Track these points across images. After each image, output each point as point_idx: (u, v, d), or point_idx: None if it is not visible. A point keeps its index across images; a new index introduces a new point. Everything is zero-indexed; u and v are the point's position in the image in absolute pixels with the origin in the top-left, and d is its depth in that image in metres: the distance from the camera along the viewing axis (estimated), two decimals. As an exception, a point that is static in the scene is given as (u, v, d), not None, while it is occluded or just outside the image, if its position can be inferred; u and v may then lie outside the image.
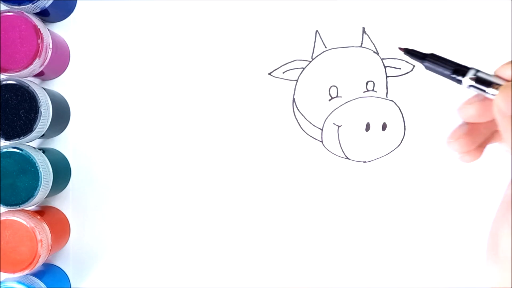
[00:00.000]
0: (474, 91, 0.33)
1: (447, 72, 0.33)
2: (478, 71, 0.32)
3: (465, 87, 0.33)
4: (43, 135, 0.48)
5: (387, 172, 0.52)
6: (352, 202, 0.52)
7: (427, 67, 0.34)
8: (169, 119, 0.52)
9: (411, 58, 0.35)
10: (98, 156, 0.52)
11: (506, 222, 0.29)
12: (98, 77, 0.52)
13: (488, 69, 0.51)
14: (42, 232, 0.46)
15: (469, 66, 0.33)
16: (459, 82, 0.33)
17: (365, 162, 0.52)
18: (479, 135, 0.34)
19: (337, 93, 0.52)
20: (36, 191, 0.46)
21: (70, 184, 0.52)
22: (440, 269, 0.51)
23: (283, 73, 0.52)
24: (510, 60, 0.32)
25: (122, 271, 0.52)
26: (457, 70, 0.33)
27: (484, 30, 0.51)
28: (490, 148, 0.37)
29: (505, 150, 0.29)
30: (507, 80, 0.31)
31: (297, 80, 0.52)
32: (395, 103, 0.52)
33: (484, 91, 0.32)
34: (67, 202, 0.52)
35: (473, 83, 0.32)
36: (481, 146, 0.34)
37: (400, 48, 0.35)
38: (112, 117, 0.52)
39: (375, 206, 0.52)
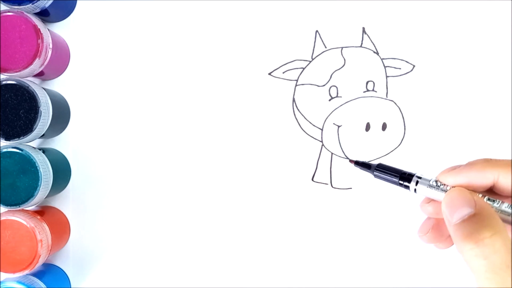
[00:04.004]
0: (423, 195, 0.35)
1: (395, 180, 0.36)
2: (419, 178, 0.35)
3: (412, 192, 0.35)
4: (43, 135, 0.48)
5: (387, 172, 0.52)
6: (352, 202, 0.52)
7: (376, 176, 0.37)
8: (169, 119, 0.52)
9: (360, 168, 0.38)
10: (98, 156, 0.52)
11: None
12: (98, 77, 0.52)
13: (488, 72, 0.52)
14: (42, 232, 0.46)
15: (412, 172, 0.35)
16: (407, 187, 0.35)
17: (365, 162, 0.52)
18: (446, 227, 0.35)
19: (337, 93, 0.52)
20: (36, 191, 0.46)
21: (70, 184, 0.52)
22: (440, 269, 0.51)
23: (283, 73, 0.52)
24: (450, 167, 0.34)
25: (122, 271, 0.52)
26: (402, 178, 0.35)
27: (484, 30, 0.51)
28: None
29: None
30: (446, 185, 0.33)
31: (297, 80, 0.52)
32: (395, 103, 0.52)
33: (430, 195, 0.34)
34: (67, 202, 0.52)
35: (419, 189, 0.34)
36: None
37: (350, 160, 0.39)
38: (112, 117, 0.52)
39: (375, 206, 0.52)
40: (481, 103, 0.51)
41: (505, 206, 0.31)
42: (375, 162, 0.37)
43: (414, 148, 0.52)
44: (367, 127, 0.52)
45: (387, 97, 0.52)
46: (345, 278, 0.52)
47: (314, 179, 0.52)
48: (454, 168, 0.33)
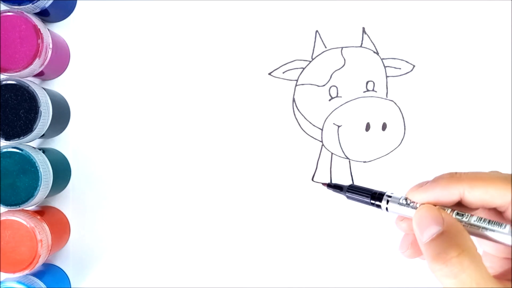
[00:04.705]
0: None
1: (367, 200, 0.36)
2: (390, 197, 0.35)
3: (384, 211, 0.35)
4: (43, 135, 0.48)
5: (387, 172, 0.52)
6: (352, 202, 0.52)
7: (348, 197, 0.37)
8: (169, 119, 0.52)
9: (333, 191, 0.39)
10: (98, 156, 0.52)
11: None
12: (98, 77, 0.52)
13: (488, 72, 0.51)
14: (42, 232, 0.46)
15: (382, 191, 0.35)
16: (379, 207, 0.35)
17: (365, 162, 0.52)
18: None
19: (337, 93, 0.52)
20: (36, 191, 0.46)
21: (70, 184, 0.52)
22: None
23: (283, 73, 0.52)
24: (418, 183, 0.34)
25: (122, 271, 0.52)
26: (373, 198, 0.36)
27: (484, 30, 0.51)
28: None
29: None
30: (415, 202, 0.33)
31: (297, 80, 0.52)
32: (395, 103, 0.52)
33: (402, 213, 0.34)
34: (67, 202, 0.52)
35: (390, 208, 0.35)
36: None
37: (323, 184, 0.40)
38: (112, 117, 0.52)
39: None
40: (481, 103, 0.51)
41: (474, 220, 0.31)
42: (348, 183, 0.38)
43: (414, 148, 0.52)
44: (367, 127, 0.52)
45: (387, 97, 0.52)
46: (345, 278, 0.52)
47: (314, 179, 0.52)
48: (421, 184, 0.33)
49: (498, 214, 0.32)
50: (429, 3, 0.52)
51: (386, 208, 0.35)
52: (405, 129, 0.52)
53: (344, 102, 0.52)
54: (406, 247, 0.35)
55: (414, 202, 0.33)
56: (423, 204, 0.33)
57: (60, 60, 0.51)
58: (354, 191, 0.37)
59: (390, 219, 0.51)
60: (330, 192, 0.52)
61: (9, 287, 0.46)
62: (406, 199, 0.34)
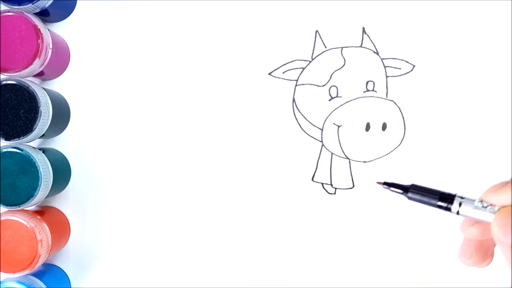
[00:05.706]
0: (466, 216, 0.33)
1: (434, 202, 0.33)
2: (462, 198, 0.32)
3: (455, 214, 0.33)
4: (43, 135, 0.48)
5: (387, 172, 0.52)
6: (352, 202, 0.52)
7: (410, 198, 0.34)
8: (169, 119, 0.52)
9: (390, 190, 0.35)
10: (98, 156, 0.52)
11: None
12: (98, 77, 0.52)
13: (488, 72, 0.51)
14: (42, 232, 0.46)
15: (452, 193, 0.33)
16: (448, 209, 0.33)
17: (365, 162, 0.52)
18: (490, 245, 0.33)
19: (337, 93, 0.52)
20: (36, 191, 0.46)
21: (70, 184, 0.52)
22: (441, 269, 0.51)
23: (283, 73, 0.52)
24: (494, 184, 0.31)
25: (122, 271, 0.52)
26: (442, 199, 0.33)
27: (484, 30, 0.51)
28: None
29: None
30: (494, 205, 0.31)
31: (297, 80, 0.52)
32: (395, 103, 0.52)
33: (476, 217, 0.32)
34: (67, 202, 0.52)
35: (463, 211, 0.32)
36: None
37: (378, 182, 0.35)
38: (112, 117, 0.52)
39: (375, 206, 0.52)
40: (481, 103, 0.51)
41: None
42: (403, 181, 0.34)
43: (414, 148, 0.52)
44: (367, 127, 0.52)
45: (387, 97, 0.52)
46: (346, 278, 0.52)
47: (314, 179, 0.52)
48: (499, 186, 0.31)
49: None
50: (429, 3, 0.52)
51: (457, 212, 0.32)
52: (405, 129, 0.52)
53: (344, 102, 0.52)
54: (470, 254, 0.33)
55: (492, 204, 0.31)
56: (504, 206, 0.31)
57: (60, 60, 0.51)
58: (418, 191, 0.34)
59: (392, 219, 0.51)
60: (330, 192, 0.52)
61: (9, 287, 0.46)
62: (481, 201, 0.32)
